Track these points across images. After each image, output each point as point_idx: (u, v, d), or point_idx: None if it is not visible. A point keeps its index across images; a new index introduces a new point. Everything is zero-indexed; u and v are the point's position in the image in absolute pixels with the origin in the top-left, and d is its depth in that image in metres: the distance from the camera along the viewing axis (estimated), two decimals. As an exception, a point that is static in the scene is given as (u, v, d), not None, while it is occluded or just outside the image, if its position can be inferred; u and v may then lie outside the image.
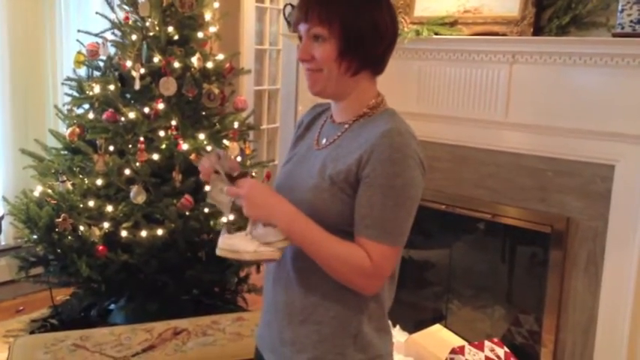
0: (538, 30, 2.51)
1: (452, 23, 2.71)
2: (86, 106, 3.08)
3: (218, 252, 1.24)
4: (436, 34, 2.71)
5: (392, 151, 1.17)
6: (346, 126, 1.30)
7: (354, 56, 1.24)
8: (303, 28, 1.26)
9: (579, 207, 2.49)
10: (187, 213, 2.91)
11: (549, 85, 2.47)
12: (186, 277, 2.99)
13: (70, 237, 2.86)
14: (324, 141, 1.33)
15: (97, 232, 2.83)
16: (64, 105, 3.17)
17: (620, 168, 2.36)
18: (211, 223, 2.99)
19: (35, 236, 2.94)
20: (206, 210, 2.97)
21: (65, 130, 3.09)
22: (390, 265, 1.22)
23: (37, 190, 2.99)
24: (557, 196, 2.54)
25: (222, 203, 1.27)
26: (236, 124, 3.22)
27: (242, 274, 3.37)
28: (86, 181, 2.93)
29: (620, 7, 2.21)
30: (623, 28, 2.18)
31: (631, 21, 2.15)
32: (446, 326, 2.96)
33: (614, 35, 2.24)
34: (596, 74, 2.35)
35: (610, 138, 2.35)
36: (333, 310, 1.25)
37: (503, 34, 2.57)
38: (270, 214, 1.19)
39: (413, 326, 2.97)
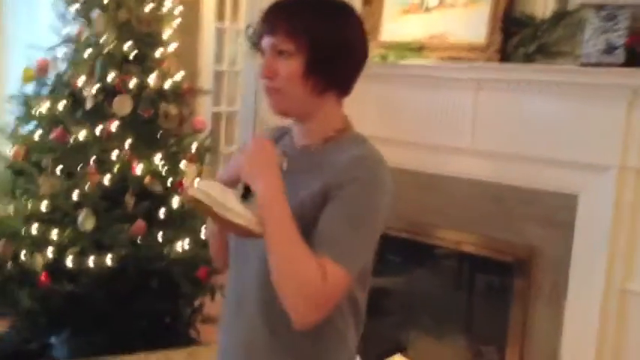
0: (505, 57, 2.51)
1: (418, 48, 2.69)
2: (33, 124, 2.93)
3: (194, 192, 1.08)
4: (402, 58, 2.69)
5: (368, 176, 1.14)
6: (312, 150, 1.21)
7: (320, 74, 1.15)
8: (267, 42, 1.16)
9: (543, 236, 2.48)
10: (139, 240, 2.79)
11: (514, 113, 2.46)
12: (135, 307, 2.84)
13: (10, 265, 2.70)
14: (284, 165, 1.22)
15: (39, 259, 2.67)
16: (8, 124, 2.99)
17: (583, 198, 2.35)
18: (165, 250, 2.86)
19: (-29, 264, 2.75)
20: (160, 236, 2.85)
21: (8, 150, 2.93)
22: (339, 291, 1.09)
23: (-25, 214, 2.81)
24: (521, 224, 2.52)
25: (246, 217, 1.09)
26: (194, 146, 3.13)
27: (196, 302, 3.23)
28: (29, 205, 2.77)
29: (586, 38, 2.22)
30: (589, 58, 2.19)
31: (597, 51, 2.17)
32: (407, 357, 2.89)
33: (582, 65, 2.25)
34: (562, 103, 2.36)
35: (574, 167, 2.35)
36: (295, 355, 1.17)
37: (470, 61, 2.56)
38: (259, 176, 1.11)
39: (374, 358, 2.89)
